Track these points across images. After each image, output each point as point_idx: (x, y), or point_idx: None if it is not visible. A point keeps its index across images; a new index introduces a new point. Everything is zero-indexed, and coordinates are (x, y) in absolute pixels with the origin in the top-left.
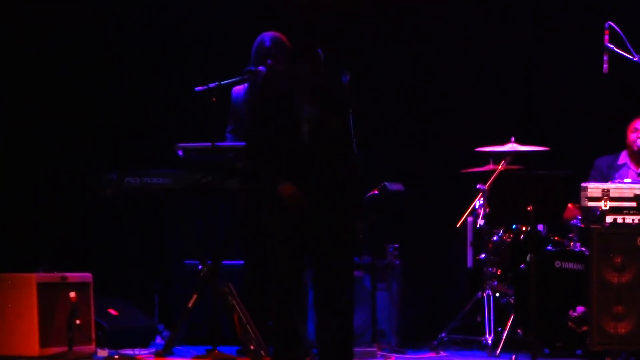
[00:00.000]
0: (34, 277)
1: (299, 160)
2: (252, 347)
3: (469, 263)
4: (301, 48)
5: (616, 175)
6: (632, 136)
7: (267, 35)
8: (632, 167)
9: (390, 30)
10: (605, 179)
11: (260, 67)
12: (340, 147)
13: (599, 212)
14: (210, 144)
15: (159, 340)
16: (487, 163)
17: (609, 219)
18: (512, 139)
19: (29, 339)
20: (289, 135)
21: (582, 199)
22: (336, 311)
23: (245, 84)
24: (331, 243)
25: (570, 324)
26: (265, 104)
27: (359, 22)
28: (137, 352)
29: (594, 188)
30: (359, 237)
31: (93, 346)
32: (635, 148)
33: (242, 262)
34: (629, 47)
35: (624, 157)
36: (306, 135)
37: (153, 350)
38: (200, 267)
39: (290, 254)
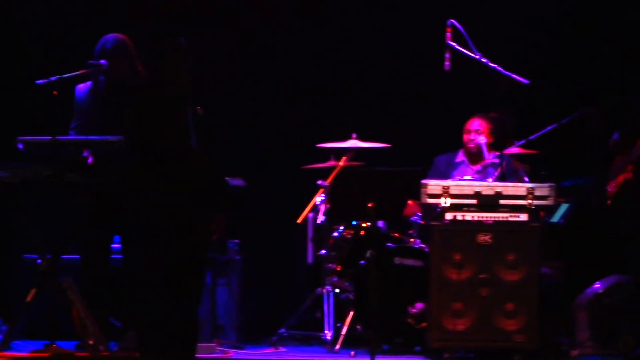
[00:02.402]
0: None
1: (178, 162)
2: (90, 342)
3: (310, 259)
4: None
5: (454, 173)
6: (465, 137)
7: (110, 37)
8: (469, 164)
9: (237, 25)
10: (443, 177)
11: (101, 61)
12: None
13: (439, 209)
14: (50, 137)
15: None
16: (328, 159)
17: (448, 216)
18: (354, 135)
19: None
20: (172, 138)
21: (422, 195)
22: (184, 306)
23: (89, 82)
24: (186, 238)
25: (409, 320)
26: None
27: (200, 18)
28: None
29: (434, 185)
30: (223, 232)
31: None
32: (468, 149)
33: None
34: (471, 45)
35: (462, 155)
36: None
37: None
38: (39, 261)
39: (156, 249)
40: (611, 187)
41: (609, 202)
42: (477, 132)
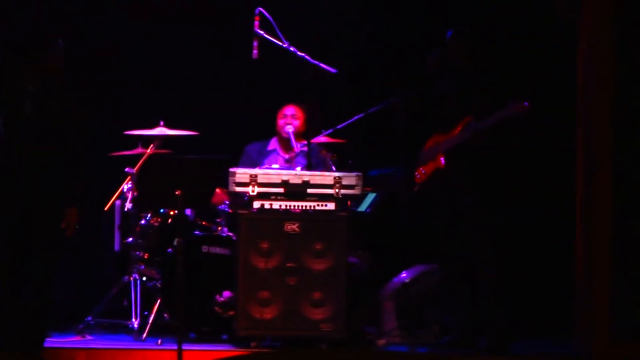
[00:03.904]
0: None
1: (20, 137)
2: None
3: (116, 246)
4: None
5: (265, 161)
6: (281, 122)
7: None
8: (281, 153)
9: (49, 13)
10: (254, 165)
11: None
12: (60, 131)
13: (246, 198)
14: None
15: None
16: (136, 147)
17: (256, 204)
18: (161, 122)
19: None
20: (12, 111)
21: (230, 184)
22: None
23: None
24: (40, 227)
25: (216, 308)
26: None
27: None
28: None
29: (242, 173)
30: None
31: None
32: (284, 134)
33: None
34: (279, 33)
35: (273, 144)
36: (28, 113)
37: None
38: None
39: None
40: (419, 174)
41: (415, 189)
42: (294, 117)
